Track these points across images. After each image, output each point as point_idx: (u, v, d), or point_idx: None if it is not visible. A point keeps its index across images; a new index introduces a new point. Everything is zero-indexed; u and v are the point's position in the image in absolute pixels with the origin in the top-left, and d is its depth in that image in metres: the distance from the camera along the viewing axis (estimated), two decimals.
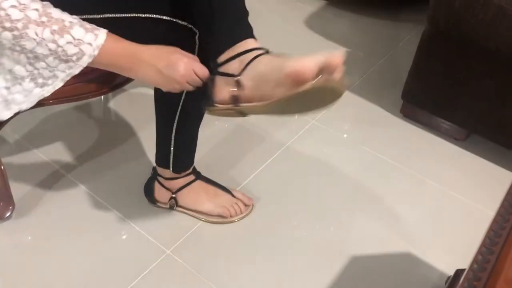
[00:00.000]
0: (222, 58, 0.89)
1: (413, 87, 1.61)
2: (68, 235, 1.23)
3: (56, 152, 1.43)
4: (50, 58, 0.83)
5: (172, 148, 1.16)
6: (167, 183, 1.25)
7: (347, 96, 1.75)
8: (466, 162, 1.54)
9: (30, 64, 0.85)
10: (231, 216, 1.27)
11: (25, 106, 0.91)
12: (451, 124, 1.60)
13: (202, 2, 0.89)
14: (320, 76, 0.80)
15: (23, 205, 1.27)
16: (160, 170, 1.24)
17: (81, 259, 1.18)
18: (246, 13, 0.93)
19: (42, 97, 0.90)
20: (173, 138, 1.14)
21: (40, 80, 0.88)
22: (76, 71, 0.86)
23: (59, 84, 0.89)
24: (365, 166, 1.50)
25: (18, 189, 1.28)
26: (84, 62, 0.84)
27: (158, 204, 1.29)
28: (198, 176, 1.28)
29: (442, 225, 1.34)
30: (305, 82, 0.80)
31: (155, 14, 0.94)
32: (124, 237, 1.24)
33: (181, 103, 1.08)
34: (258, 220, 1.30)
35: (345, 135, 1.61)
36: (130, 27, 0.94)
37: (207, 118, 1.12)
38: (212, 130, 1.53)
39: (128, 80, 1.15)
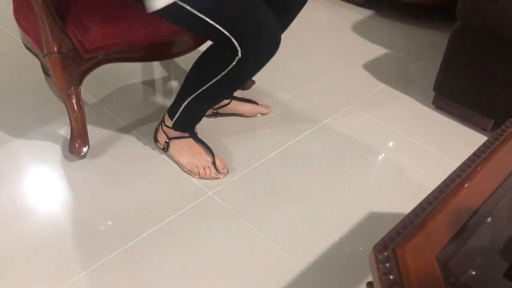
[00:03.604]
0: None
1: (443, 79, 1.75)
2: (126, 174, 1.46)
3: (124, 113, 1.70)
4: None
5: (181, 108, 1.39)
6: (165, 129, 1.48)
7: (386, 90, 1.92)
8: None
9: None
10: (199, 175, 1.46)
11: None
12: (479, 114, 1.72)
13: None
14: None
15: (95, 149, 1.53)
16: (165, 117, 1.48)
17: (134, 192, 1.41)
18: None
19: None
20: (187, 101, 1.37)
21: None
22: None
23: None
24: (396, 147, 1.66)
25: (92, 137, 1.54)
26: None
27: (157, 143, 1.53)
28: (192, 134, 1.49)
29: None
30: None
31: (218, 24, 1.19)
32: (174, 177, 1.46)
33: (210, 83, 1.31)
34: (291, 175, 1.49)
35: (381, 122, 1.77)
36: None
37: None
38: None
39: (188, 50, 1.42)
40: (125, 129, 1.63)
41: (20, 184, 1.41)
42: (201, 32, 1.33)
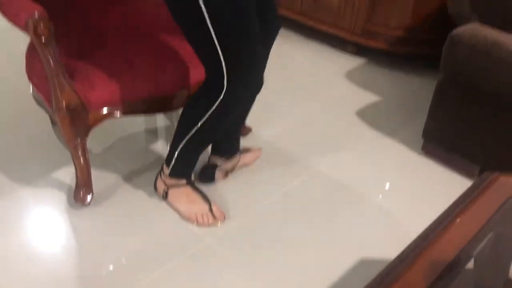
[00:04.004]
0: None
1: (431, 127, 1.84)
2: (127, 222, 1.53)
3: (127, 161, 1.78)
4: None
5: (176, 155, 1.47)
6: (164, 178, 1.55)
7: (378, 136, 2.01)
8: None
9: None
10: (197, 223, 1.52)
11: None
12: (465, 161, 1.80)
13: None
14: None
15: (99, 196, 1.60)
16: (163, 166, 1.55)
17: (134, 239, 1.47)
18: None
19: None
20: (180, 147, 1.45)
21: None
22: None
23: None
24: (386, 193, 1.73)
25: (96, 184, 1.62)
26: None
27: (157, 192, 1.60)
28: (189, 181, 1.57)
29: None
30: None
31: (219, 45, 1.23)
32: (172, 225, 1.53)
33: (198, 125, 1.39)
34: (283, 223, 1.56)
35: (373, 168, 1.85)
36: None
37: None
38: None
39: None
40: (127, 177, 1.71)
41: (26, 230, 1.48)
42: (198, 45, 1.31)
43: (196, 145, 1.49)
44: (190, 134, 1.43)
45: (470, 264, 0.97)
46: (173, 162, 1.51)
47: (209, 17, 1.18)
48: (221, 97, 1.32)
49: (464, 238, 0.91)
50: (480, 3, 1.65)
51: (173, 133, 1.48)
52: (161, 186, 1.58)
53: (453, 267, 0.88)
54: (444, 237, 0.91)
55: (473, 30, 1.59)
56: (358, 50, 2.63)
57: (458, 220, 0.95)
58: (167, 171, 1.54)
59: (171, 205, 1.58)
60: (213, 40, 1.22)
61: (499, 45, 1.52)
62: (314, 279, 1.38)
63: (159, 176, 1.59)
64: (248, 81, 1.33)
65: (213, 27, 1.20)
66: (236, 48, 1.26)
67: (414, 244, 0.89)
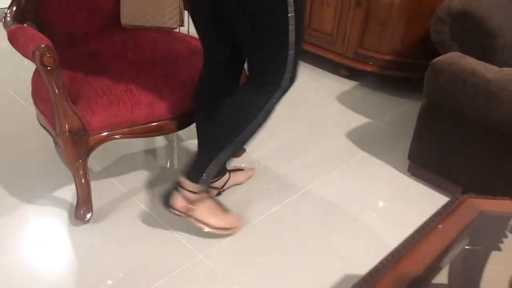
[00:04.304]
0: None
1: (415, 149, 1.93)
2: (125, 238, 1.62)
3: (126, 179, 1.87)
4: None
5: (210, 165, 1.47)
6: (186, 194, 1.50)
7: (366, 157, 2.10)
8: None
9: None
10: (231, 231, 1.61)
11: None
12: (448, 182, 1.88)
13: None
14: None
15: (98, 213, 1.69)
16: (184, 182, 1.50)
17: (132, 255, 1.56)
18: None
19: None
20: (220, 154, 1.46)
21: None
22: None
23: None
24: (374, 212, 1.81)
25: (96, 201, 1.71)
26: None
27: (173, 210, 1.53)
28: (209, 194, 1.62)
29: None
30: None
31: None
32: (167, 241, 1.61)
33: (246, 129, 1.43)
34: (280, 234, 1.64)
35: (361, 189, 1.93)
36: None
37: None
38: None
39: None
40: (126, 195, 1.80)
41: (27, 247, 1.57)
42: (269, 39, 1.34)
43: (232, 151, 1.50)
44: (234, 141, 1.44)
45: (444, 279, 1.06)
46: (206, 173, 1.47)
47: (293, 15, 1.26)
48: (275, 95, 1.40)
49: (433, 253, 1.00)
50: (459, 33, 1.76)
51: (170, 152, 1.56)
52: (181, 203, 1.52)
53: (422, 279, 0.96)
54: (413, 252, 0.99)
55: (453, 58, 1.69)
56: (350, 73, 2.73)
57: (427, 237, 1.03)
58: (192, 186, 1.50)
59: (197, 221, 1.56)
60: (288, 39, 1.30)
61: (476, 73, 1.61)
62: None
63: (175, 193, 1.52)
64: (290, 83, 1.43)
65: (294, 28, 1.28)
66: (298, 53, 1.36)
67: (385, 260, 0.98)
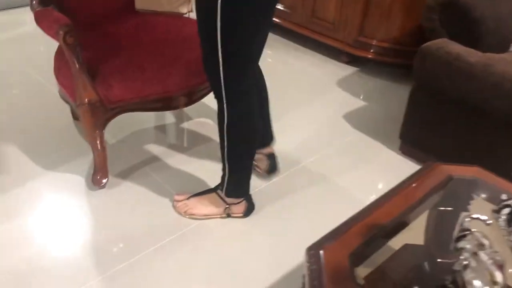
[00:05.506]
0: None
1: (406, 130, 2.08)
2: (135, 203, 1.79)
3: (138, 152, 2.04)
4: None
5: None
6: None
7: (361, 137, 2.25)
8: None
9: None
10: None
11: None
12: (436, 159, 2.02)
13: None
14: None
15: (113, 180, 1.87)
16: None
17: (141, 219, 1.73)
18: None
19: None
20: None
21: None
22: None
23: None
24: (366, 189, 1.97)
25: (111, 170, 1.88)
26: None
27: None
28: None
29: None
30: None
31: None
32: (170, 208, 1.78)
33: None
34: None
35: (354, 166, 2.09)
36: None
37: None
38: None
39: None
40: (138, 165, 1.97)
41: (50, 208, 1.75)
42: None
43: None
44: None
45: (420, 241, 1.21)
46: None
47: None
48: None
49: (399, 209, 1.15)
50: (447, 21, 1.89)
51: (179, 128, 1.72)
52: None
53: (389, 230, 1.12)
54: (383, 208, 1.15)
55: (440, 44, 1.83)
56: (350, 59, 2.87)
57: (397, 196, 1.19)
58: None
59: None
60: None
61: (460, 57, 1.75)
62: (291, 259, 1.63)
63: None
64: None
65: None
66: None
67: (358, 213, 1.14)
